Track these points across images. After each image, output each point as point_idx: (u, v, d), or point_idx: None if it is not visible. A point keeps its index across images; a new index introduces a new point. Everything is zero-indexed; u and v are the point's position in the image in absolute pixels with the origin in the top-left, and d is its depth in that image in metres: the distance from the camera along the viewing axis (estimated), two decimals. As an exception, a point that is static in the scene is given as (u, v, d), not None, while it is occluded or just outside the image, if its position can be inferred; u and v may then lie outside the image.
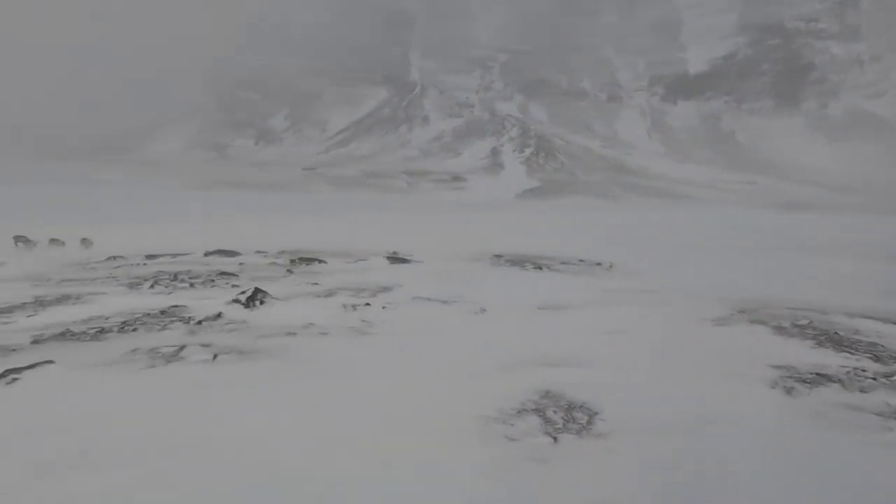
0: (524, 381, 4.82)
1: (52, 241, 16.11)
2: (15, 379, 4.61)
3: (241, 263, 13.02)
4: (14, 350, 5.54)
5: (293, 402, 4.28)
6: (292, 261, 13.46)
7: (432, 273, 11.76)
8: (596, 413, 4.17)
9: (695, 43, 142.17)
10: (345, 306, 8.05)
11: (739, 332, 6.89)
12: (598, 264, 14.16)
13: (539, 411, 4.20)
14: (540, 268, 13.26)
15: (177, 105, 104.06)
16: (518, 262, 14.11)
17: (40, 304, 7.74)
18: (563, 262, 14.33)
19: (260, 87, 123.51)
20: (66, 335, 6.10)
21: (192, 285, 9.66)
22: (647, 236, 23.30)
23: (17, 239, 16.36)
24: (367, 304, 8.29)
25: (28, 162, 65.17)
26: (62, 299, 8.05)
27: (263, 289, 8.30)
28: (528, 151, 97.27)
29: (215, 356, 5.48)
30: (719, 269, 14.00)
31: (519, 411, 4.18)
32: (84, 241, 16.15)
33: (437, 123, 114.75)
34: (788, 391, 4.76)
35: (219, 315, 7.15)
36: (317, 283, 10.11)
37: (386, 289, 9.73)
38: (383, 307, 8.12)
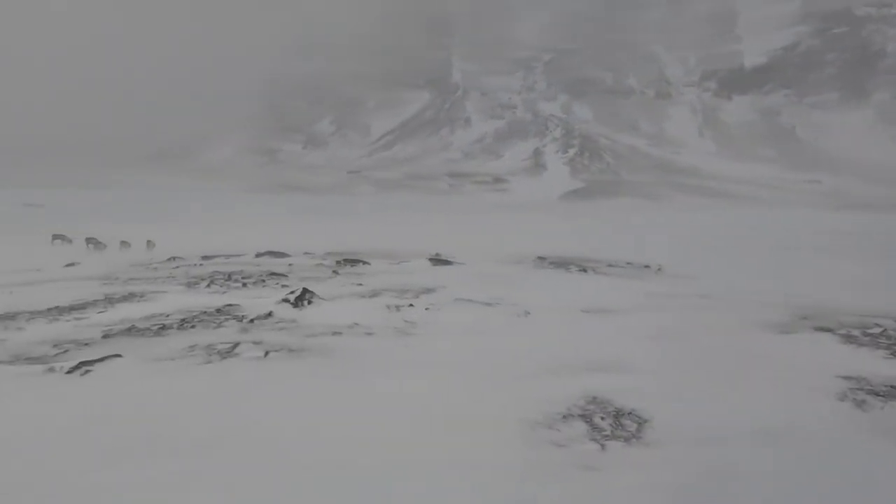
0: (570, 386, 4.72)
1: (122, 243, 17.35)
2: (88, 371, 4.96)
3: (289, 264, 13.48)
4: (87, 344, 5.96)
5: (340, 400, 4.38)
6: (338, 262, 13.81)
7: (475, 275, 11.74)
8: (646, 421, 4.03)
9: (751, 34, 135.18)
10: (389, 307, 8.17)
11: (802, 340, 6.48)
12: (647, 267, 13.71)
13: (586, 417, 4.11)
14: (585, 270, 12.98)
15: (231, 113, 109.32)
16: (562, 264, 13.86)
17: (109, 301, 8.29)
18: (610, 265, 13.97)
19: (307, 94, 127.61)
20: (132, 331, 6.51)
21: (244, 285, 10.08)
22: (698, 238, 22.33)
23: (89, 241, 17.68)
24: (411, 305, 8.38)
25: (98, 169, 70.11)
26: (128, 297, 8.60)
27: (311, 289, 8.55)
28: (571, 152, 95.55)
29: (267, 353, 5.69)
30: (779, 273, 13.23)
31: (565, 416, 4.10)
32: (148, 242, 17.27)
33: (478, 125, 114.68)
34: (859, 404, 4.43)
35: (269, 314, 7.42)
36: (361, 284, 10.31)
37: (429, 290, 9.80)
38: (426, 308, 8.18)
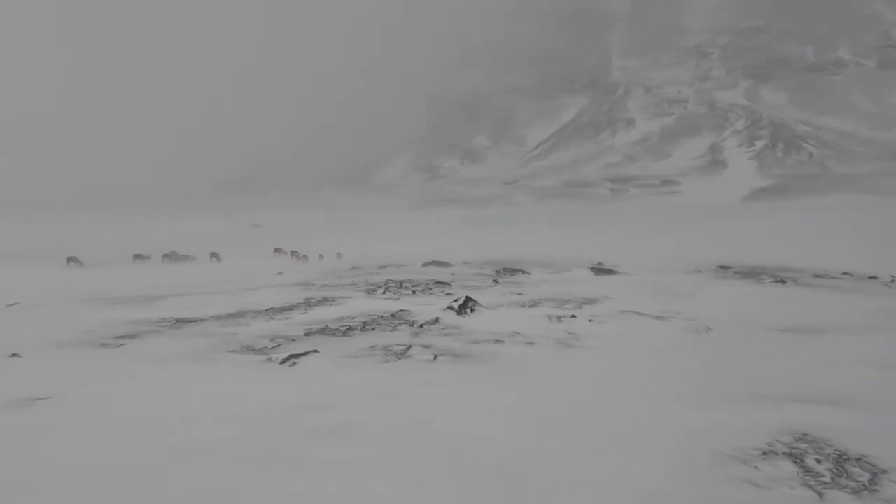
0: (769, 418, 4.03)
1: (319, 256, 20.48)
2: (295, 362, 5.90)
3: (452, 273, 14.21)
4: (293, 339, 7.10)
5: (503, 406, 4.42)
6: (497, 271, 14.09)
7: (643, 285, 10.87)
8: (884, 472, 3.21)
9: None
10: (550, 317, 8.03)
11: None
12: (873, 278, 11.07)
13: (794, 457, 3.45)
14: (783, 281, 11.03)
15: (402, 136, 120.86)
16: (751, 274, 12.00)
17: (308, 304, 9.76)
18: (817, 276, 11.64)
19: (466, 111, 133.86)
20: (325, 330, 7.55)
21: (413, 292, 10.93)
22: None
23: (293, 254, 21.18)
24: (573, 316, 8.10)
25: (301, 193, 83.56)
26: (322, 301, 10.01)
27: (473, 297, 8.88)
28: (759, 144, 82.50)
29: (435, 357, 6.07)
30: None
31: (764, 453, 3.50)
32: (338, 255, 20.06)
33: (642, 125, 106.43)
34: None
35: (436, 320, 7.91)
36: (521, 294, 10.34)
37: (591, 301, 9.37)
38: (590, 320, 7.83)
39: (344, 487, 3.09)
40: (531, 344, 6.65)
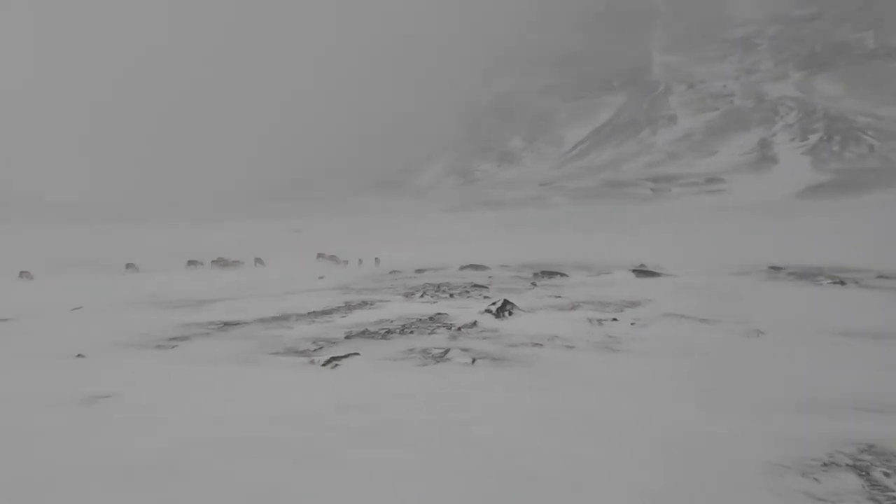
0: (829, 427, 3.80)
1: (359, 261, 20.87)
2: (336, 365, 6.03)
3: (489, 276, 14.15)
4: (334, 342, 7.25)
5: (542, 410, 4.36)
6: (535, 274, 13.93)
7: (688, 287, 10.48)
8: (962, 488, 2.97)
9: None
10: (590, 320, 7.86)
11: None
12: (946, 279, 10.27)
13: (859, 469, 3.23)
14: (842, 283, 10.39)
15: (438, 140, 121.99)
16: (806, 275, 11.37)
17: (348, 307, 9.95)
18: (882, 276, 10.90)
19: (501, 114, 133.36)
20: (365, 333, 7.67)
21: (451, 296, 10.96)
22: None
23: (331, 258, 21.64)
24: (614, 319, 7.91)
25: (340, 198, 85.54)
26: (361, 305, 10.19)
27: (510, 300, 8.81)
28: (813, 138, 78.15)
29: (474, 360, 6.05)
30: None
31: (825, 465, 3.30)
32: (376, 259, 20.37)
33: (685, 121, 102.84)
34: None
35: (474, 323, 7.89)
36: (560, 297, 10.18)
37: (633, 304, 9.12)
38: (632, 323, 7.62)
39: (382, 487, 3.13)
40: (571, 348, 6.53)
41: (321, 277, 16.53)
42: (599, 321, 7.78)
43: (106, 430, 4.02)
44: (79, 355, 6.69)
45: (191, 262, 21.34)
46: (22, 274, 17.89)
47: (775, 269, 12.49)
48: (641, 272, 12.99)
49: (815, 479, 3.14)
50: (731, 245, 18.51)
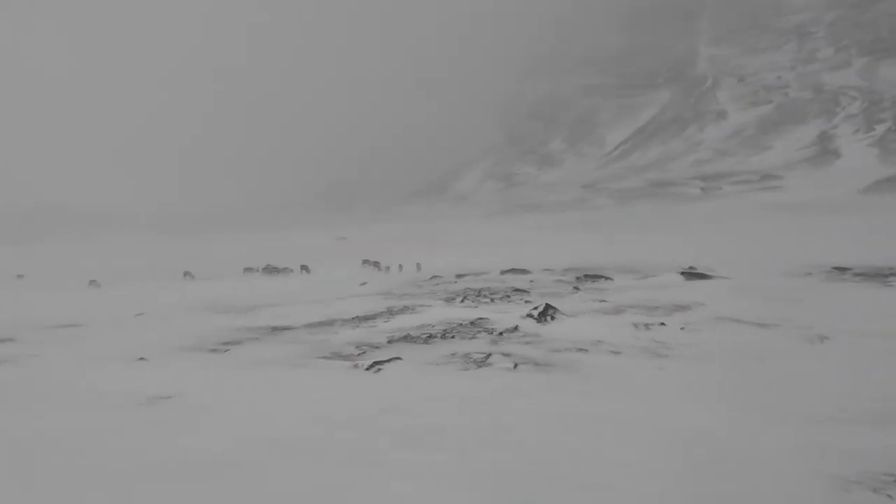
0: (904, 439, 3.51)
1: (400, 266, 21.18)
2: (379, 369, 6.13)
3: (530, 280, 13.99)
4: (377, 347, 7.38)
5: (588, 418, 4.27)
6: (578, 277, 13.65)
7: (742, 290, 9.99)
8: None
9: None
10: (636, 325, 7.63)
11: None
12: None
13: (937, 486, 2.98)
14: (917, 284, 9.60)
15: (478, 145, 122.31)
16: (876, 275, 10.59)
17: (390, 312, 10.10)
18: (963, 276, 10.00)
19: (541, 116, 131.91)
20: (407, 338, 7.76)
21: (492, 300, 10.91)
22: None
23: (375, 264, 22.07)
24: (662, 323, 7.64)
25: (384, 205, 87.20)
26: (403, 310, 10.31)
27: (553, 305, 8.68)
28: (881, 129, 72.71)
29: (515, 365, 6.01)
30: None
31: (898, 479, 3.06)
32: (417, 265, 20.59)
33: (735, 116, 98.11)
34: None
35: (515, 328, 7.83)
36: (604, 301, 9.94)
37: (682, 308, 8.77)
38: (682, 328, 7.33)
39: (424, 490, 3.16)
40: (617, 353, 6.36)
41: (364, 283, 16.86)
42: (646, 326, 7.54)
43: (168, 428, 4.27)
44: (141, 358, 7.13)
45: (247, 269, 22.40)
46: (91, 283, 19.29)
47: (840, 269, 11.70)
48: (691, 274, 12.48)
49: (888, 496, 2.92)
50: (790, 245, 17.48)
